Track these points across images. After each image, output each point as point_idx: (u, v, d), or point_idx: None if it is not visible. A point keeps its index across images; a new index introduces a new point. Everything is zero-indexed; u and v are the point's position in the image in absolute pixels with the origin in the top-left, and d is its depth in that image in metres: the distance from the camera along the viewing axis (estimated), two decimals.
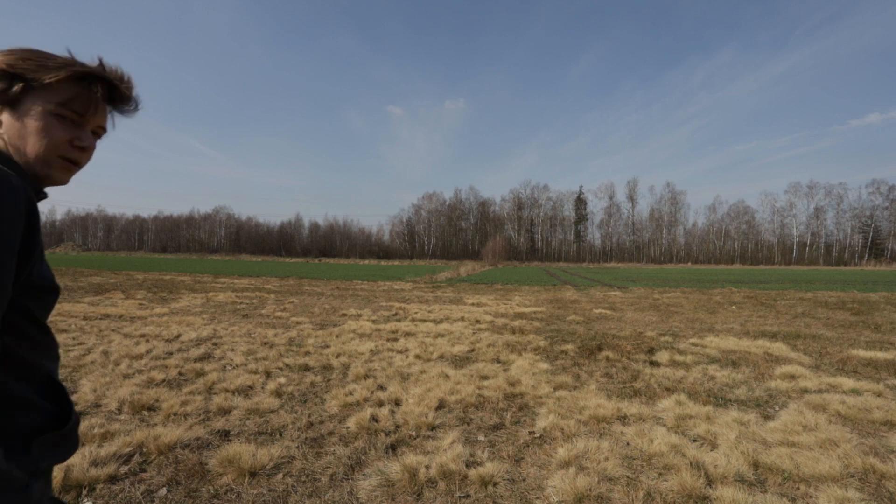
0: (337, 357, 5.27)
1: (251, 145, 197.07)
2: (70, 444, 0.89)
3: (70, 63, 0.83)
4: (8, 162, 0.79)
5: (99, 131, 0.91)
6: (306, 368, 4.79)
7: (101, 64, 0.87)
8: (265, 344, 5.96)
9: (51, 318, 7.32)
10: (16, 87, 0.78)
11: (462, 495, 2.37)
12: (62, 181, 0.88)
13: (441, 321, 8.14)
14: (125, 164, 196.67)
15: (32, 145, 0.81)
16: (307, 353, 5.41)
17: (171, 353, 5.25)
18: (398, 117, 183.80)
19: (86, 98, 0.84)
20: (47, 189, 0.89)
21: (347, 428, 3.21)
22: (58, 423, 0.84)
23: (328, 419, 3.39)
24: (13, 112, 0.80)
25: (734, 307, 11.18)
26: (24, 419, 0.79)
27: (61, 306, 8.83)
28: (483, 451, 2.89)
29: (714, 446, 2.95)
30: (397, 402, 3.75)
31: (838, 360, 5.43)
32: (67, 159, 0.85)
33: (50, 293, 0.85)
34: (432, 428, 3.25)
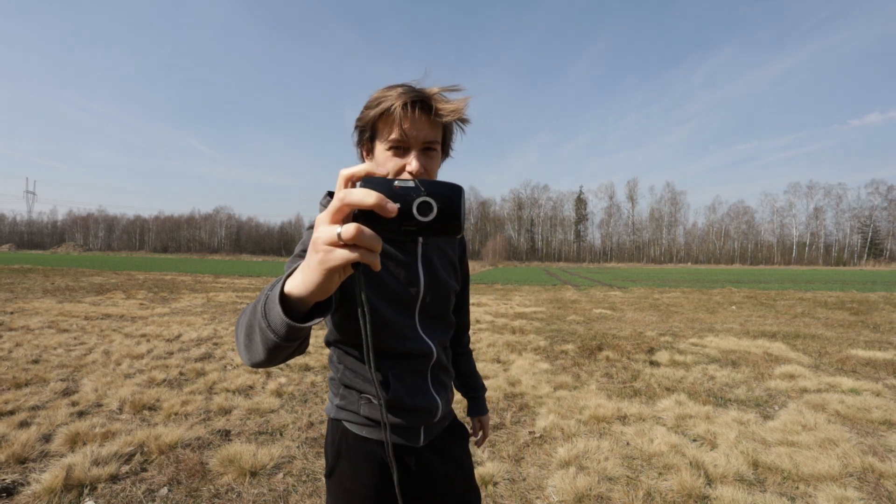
0: None
1: (251, 145, 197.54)
2: None
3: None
4: None
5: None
6: (307, 368, 4.80)
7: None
8: None
9: (52, 318, 7.33)
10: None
11: None
12: None
13: None
14: (125, 164, 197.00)
15: None
16: (307, 353, 5.42)
17: (171, 353, 5.26)
18: None
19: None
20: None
21: None
22: None
23: None
24: None
25: (734, 307, 11.18)
26: None
27: (63, 306, 8.84)
28: (483, 451, 2.90)
29: (714, 446, 2.96)
30: None
31: (837, 359, 5.44)
32: None
33: None
34: None
